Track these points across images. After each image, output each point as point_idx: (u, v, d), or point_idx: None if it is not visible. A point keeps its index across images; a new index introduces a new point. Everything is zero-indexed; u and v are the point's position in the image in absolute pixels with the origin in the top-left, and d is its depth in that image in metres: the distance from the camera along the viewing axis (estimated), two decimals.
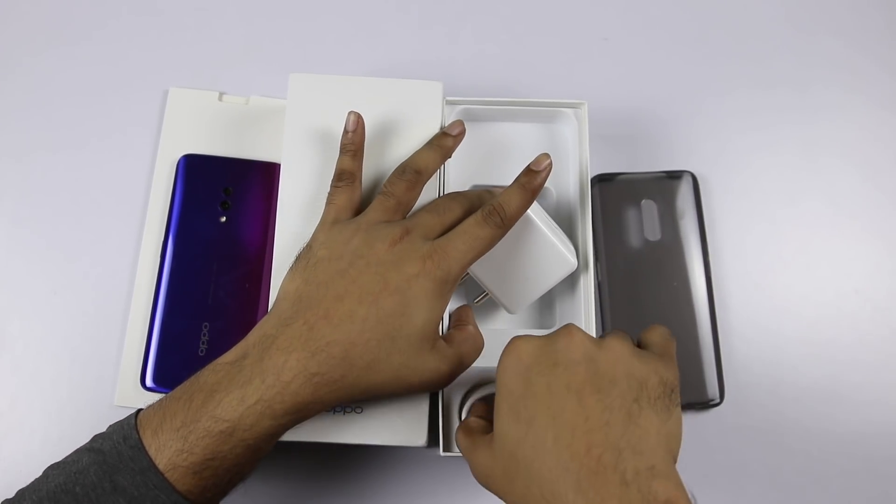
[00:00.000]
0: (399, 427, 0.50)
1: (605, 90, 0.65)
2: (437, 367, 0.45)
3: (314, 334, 0.42)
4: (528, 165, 0.48)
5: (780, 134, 0.65)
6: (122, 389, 0.56)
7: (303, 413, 0.42)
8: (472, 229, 0.46)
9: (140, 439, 0.41)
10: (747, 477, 0.57)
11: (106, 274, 0.59)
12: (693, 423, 0.58)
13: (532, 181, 0.48)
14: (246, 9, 0.66)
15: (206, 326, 0.56)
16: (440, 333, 0.47)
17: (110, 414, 0.55)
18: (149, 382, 0.55)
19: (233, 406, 0.41)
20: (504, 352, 0.40)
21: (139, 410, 0.44)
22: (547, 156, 0.48)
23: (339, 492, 0.56)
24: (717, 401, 0.57)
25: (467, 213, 0.48)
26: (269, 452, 0.44)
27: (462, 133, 0.52)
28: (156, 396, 0.55)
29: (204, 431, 0.40)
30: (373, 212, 0.48)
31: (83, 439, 0.45)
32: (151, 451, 0.40)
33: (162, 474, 0.40)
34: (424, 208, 0.49)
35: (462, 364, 0.47)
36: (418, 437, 0.50)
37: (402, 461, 0.56)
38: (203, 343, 0.56)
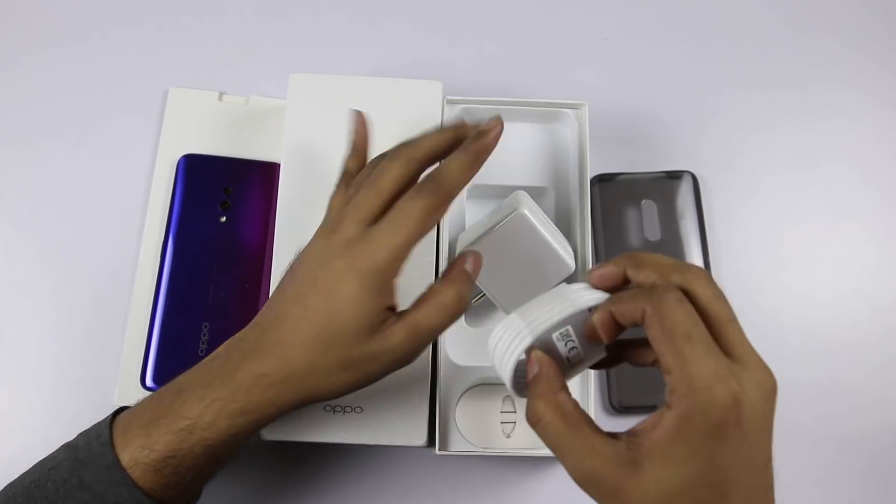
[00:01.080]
0: (399, 427, 0.50)
1: (605, 90, 0.65)
2: (385, 347, 0.41)
3: (265, 336, 0.42)
4: (478, 127, 0.42)
5: (781, 134, 0.65)
6: (122, 389, 0.56)
7: (257, 415, 0.41)
8: (404, 204, 0.41)
9: (110, 436, 0.41)
10: None
11: (106, 274, 0.59)
12: None
13: (477, 143, 0.42)
14: (246, 9, 0.66)
15: (206, 326, 0.56)
16: (393, 311, 0.42)
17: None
18: (149, 382, 0.55)
19: (193, 404, 0.41)
20: (766, 391, 0.35)
21: (122, 408, 0.44)
22: (499, 119, 0.42)
23: (339, 491, 0.55)
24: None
25: (420, 165, 0.43)
26: (234, 455, 0.43)
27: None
28: None
29: (166, 428, 0.41)
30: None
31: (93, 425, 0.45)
32: (118, 448, 0.41)
33: (124, 470, 0.40)
34: (362, 182, 0.43)
35: (419, 330, 0.41)
36: (418, 437, 0.50)
37: (402, 461, 0.56)
38: (203, 343, 0.56)
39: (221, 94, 0.63)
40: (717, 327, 0.34)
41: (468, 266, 0.43)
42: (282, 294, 0.43)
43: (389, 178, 0.42)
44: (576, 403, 0.36)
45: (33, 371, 0.57)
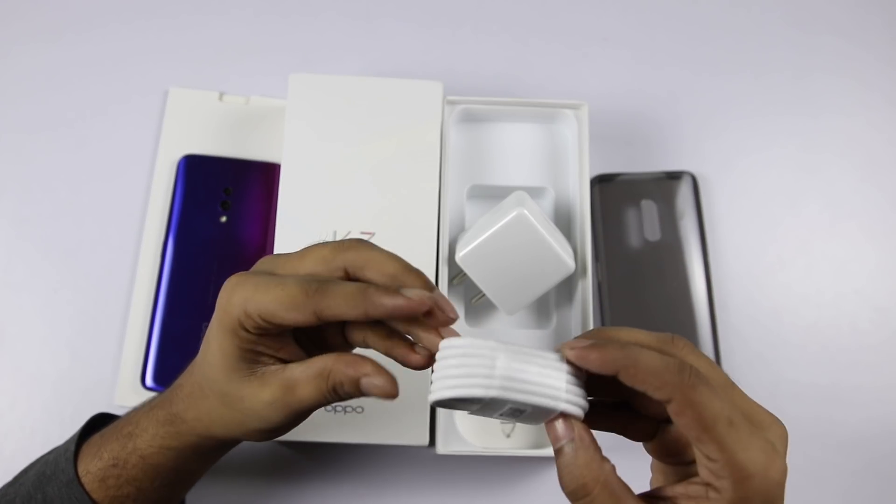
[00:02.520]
0: (401, 426, 0.50)
1: (605, 90, 0.65)
2: (256, 392, 0.37)
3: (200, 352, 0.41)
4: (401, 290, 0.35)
5: (780, 134, 0.65)
6: (122, 389, 0.56)
7: (178, 427, 0.40)
8: (276, 282, 0.35)
9: (76, 451, 0.42)
10: None
11: (106, 274, 0.59)
12: None
13: (375, 299, 0.34)
14: (246, 9, 0.66)
15: (206, 326, 0.56)
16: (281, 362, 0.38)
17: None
18: (149, 382, 0.55)
19: (141, 410, 0.42)
20: (786, 445, 0.33)
21: (96, 418, 0.45)
22: (423, 285, 0.36)
23: (340, 491, 0.55)
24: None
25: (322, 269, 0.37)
26: (178, 479, 0.42)
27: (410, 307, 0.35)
28: None
29: (116, 433, 0.41)
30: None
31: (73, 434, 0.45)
32: (80, 461, 0.41)
33: (82, 486, 0.40)
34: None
35: (292, 392, 0.36)
36: (420, 437, 0.50)
37: (402, 461, 0.56)
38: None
39: (221, 94, 0.63)
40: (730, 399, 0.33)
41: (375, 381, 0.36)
42: None
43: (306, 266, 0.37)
44: (616, 474, 0.33)
45: (33, 371, 0.57)
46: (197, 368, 0.40)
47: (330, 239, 0.52)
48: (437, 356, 0.34)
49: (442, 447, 0.51)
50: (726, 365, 0.58)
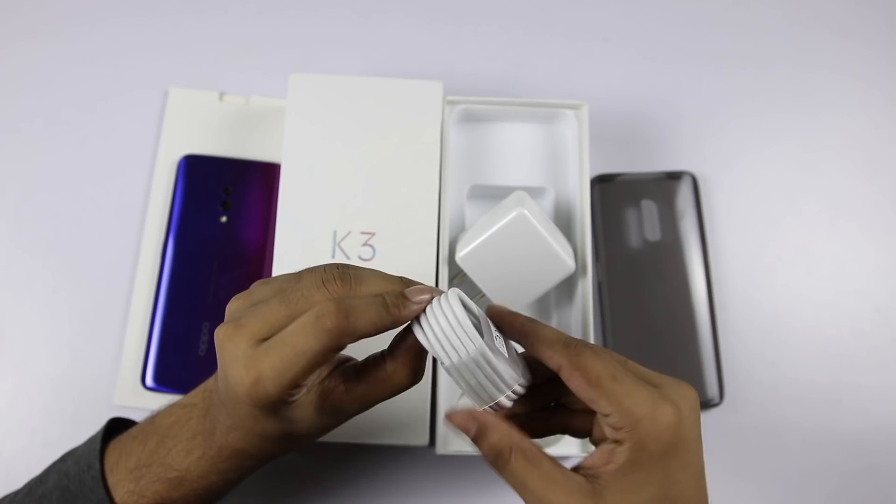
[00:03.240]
0: (401, 427, 0.50)
1: (605, 90, 0.65)
2: (294, 416, 0.38)
3: (226, 386, 0.39)
4: (405, 291, 0.37)
5: (780, 134, 0.65)
6: (122, 389, 0.56)
7: (241, 461, 0.41)
8: (294, 338, 0.35)
9: (102, 470, 0.41)
10: (747, 477, 0.57)
11: (106, 274, 0.59)
12: None
13: (400, 307, 0.36)
14: (246, 9, 0.66)
15: (206, 326, 0.56)
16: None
17: (110, 414, 0.55)
18: (149, 382, 0.55)
19: (181, 457, 0.41)
20: (692, 402, 0.36)
21: (108, 434, 0.44)
22: (428, 291, 0.37)
23: (340, 491, 0.55)
24: (717, 401, 0.57)
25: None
26: (225, 494, 0.44)
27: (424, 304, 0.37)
28: (155, 396, 0.55)
29: (155, 476, 0.41)
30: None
31: (83, 439, 0.45)
32: (109, 484, 0.41)
33: None
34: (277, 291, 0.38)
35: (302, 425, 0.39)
36: (420, 437, 0.50)
37: (402, 461, 0.56)
38: (203, 343, 0.56)
39: (221, 94, 0.63)
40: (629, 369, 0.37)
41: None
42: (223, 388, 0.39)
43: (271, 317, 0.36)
44: (530, 441, 0.36)
45: (33, 371, 0.57)
46: (234, 423, 0.39)
47: (329, 239, 0.52)
48: (433, 306, 0.36)
49: (442, 447, 0.51)
50: (726, 365, 0.58)
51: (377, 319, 0.35)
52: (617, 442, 0.35)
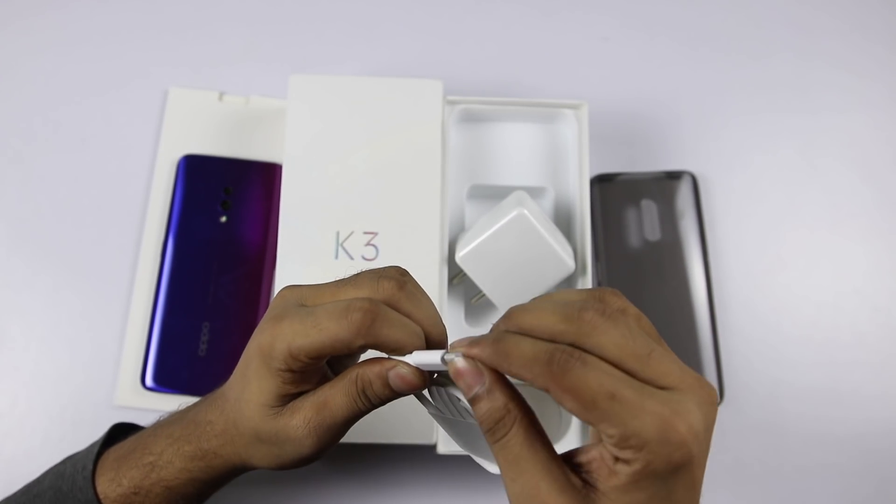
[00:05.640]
0: (408, 425, 0.50)
1: (605, 90, 0.65)
2: (290, 423, 0.37)
3: (225, 386, 0.41)
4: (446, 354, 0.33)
5: (780, 134, 0.65)
6: (122, 389, 0.56)
7: (209, 462, 0.41)
8: (322, 314, 0.35)
9: (94, 471, 0.42)
10: (747, 477, 0.57)
11: (106, 274, 0.59)
12: None
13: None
14: (246, 9, 0.66)
15: (206, 326, 0.56)
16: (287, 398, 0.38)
17: (110, 414, 0.55)
18: (149, 382, 0.55)
19: (161, 441, 0.41)
20: (708, 410, 0.31)
21: (112, 436, 0.45)
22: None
23: (340, 490, 0.55)
24: (717, 401, 0.57)
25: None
26: (194, 498, 0.43)
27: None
28: (155, 396, 0.55)
29: (134, 461, 0.41)
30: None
31: (83, 439, 0.45)
32: (97, 481, 0.41)
33: None
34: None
35: (325, 407, 0.37)
36: (427, 435, 0.50)
37: (402, 461, 0.56)
38: (203, 343, 0.56)
39: (221, 94, 0.63)
40: (637, 369, 0.31)
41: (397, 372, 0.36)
42: (246, 348, 0.40)
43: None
44: (536, 419, 0.32)
45: (33, 371, 0.57)
46: (230, 406, 0.39)
47: (332, 240, 0.52)
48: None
49: (442, 447, 0.51)
50: (726, 365, 0.58)
51: (402, 338, 0.35)
52: (621, 460, 0.30)
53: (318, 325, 0.35)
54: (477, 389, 0.32)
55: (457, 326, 0.55)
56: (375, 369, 0.36)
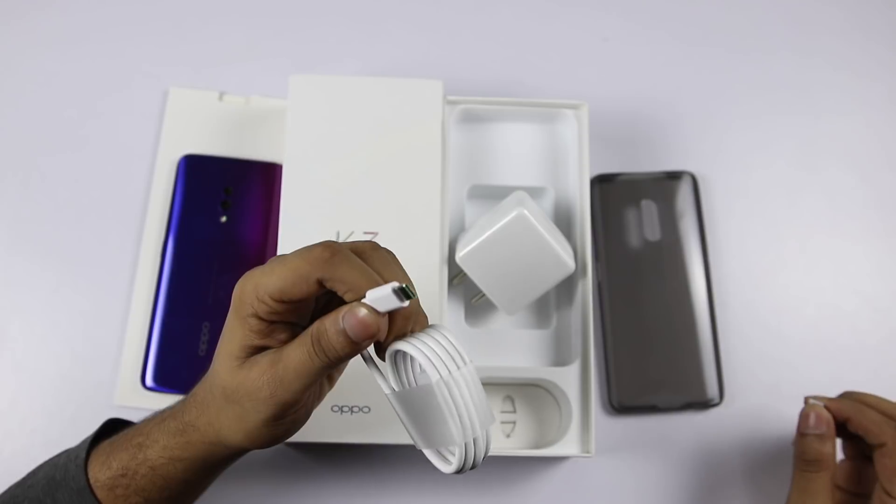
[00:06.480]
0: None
1: (605, 90, 0.65)
2: (250, 375, 0.37)
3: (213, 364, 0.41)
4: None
5: (780, 134, 0.65)
6: (122, 389, 0.56)
7: (188, 438, 0.40)
8: (279, 262, 0.37)
9: (86, 459, 0.42)
10: (747, 477, 0.57)
11: (106, 274, 0.59)
12: (693, 424, 0.58)
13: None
14: (246, 9, 0.66)
15: (206, 326, 0.56)
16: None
17: (110, 414, 0.55)
18: (149, 382, 0.55)
19: (152, 421, 0.42)
20: None
21: (108, 423, 0.45)
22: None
23: (340, 490, 0.56)
24: (717, 401, 0.57)
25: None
26: (186, 493, 0.43)
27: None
28: (155, 396, 0.55)
29: (123, 444, 0.42)
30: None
31: (83, 439, 0.45)
32: (90, 468, 0.42)
33: (94, 495, 0.41)
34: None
35: (280, 361, 0.37)
36: None
37: (402, 460, 0.56)
38: (203, 343, 0.56)
39: (221, 94, 0.63)
40: None
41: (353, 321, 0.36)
42: None
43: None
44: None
45: (33, 371, 0.57)
46: (209, 371, 0.40)
47: (333, 240, 0.52)
48: (428, 331, 0.37)
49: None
50: (726, 365, 0.58)
51: (358, 279, 0.35)
52: None
53: (283, 263, 0.36)
54: (822, 430, 0.49)
55: (457, 326, 0.55)
56: (330, 317, 0.36)
